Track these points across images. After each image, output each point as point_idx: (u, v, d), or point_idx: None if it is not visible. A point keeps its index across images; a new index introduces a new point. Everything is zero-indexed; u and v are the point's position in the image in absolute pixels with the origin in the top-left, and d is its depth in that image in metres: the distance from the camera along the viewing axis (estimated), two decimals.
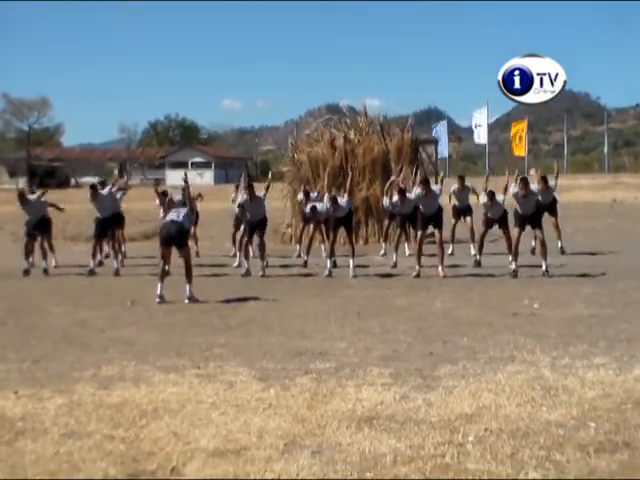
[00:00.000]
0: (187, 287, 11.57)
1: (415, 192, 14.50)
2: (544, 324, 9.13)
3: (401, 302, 11.10)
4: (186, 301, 11.40)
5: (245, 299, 11.63)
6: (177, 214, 12.05)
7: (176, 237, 11.79)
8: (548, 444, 5.05)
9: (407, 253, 16.73)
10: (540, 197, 14.61)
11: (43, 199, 16.18)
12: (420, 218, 14.25)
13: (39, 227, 15.84)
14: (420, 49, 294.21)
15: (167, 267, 12.96)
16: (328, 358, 7.61)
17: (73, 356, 8.02)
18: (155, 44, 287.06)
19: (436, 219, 14.12)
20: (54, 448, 5.23)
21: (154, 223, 19.16)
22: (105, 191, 15.75)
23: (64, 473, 4.80)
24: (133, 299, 11.67)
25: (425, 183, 14.30)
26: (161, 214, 14.26)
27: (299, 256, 16.86)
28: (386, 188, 16.00)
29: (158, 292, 11.46)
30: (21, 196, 15.88)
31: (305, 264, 15.53)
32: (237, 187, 18.00)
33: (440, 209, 14.23)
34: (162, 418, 5.80)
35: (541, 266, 13.41)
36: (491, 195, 14.63)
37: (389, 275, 14.08)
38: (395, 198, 15.35)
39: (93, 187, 15.79)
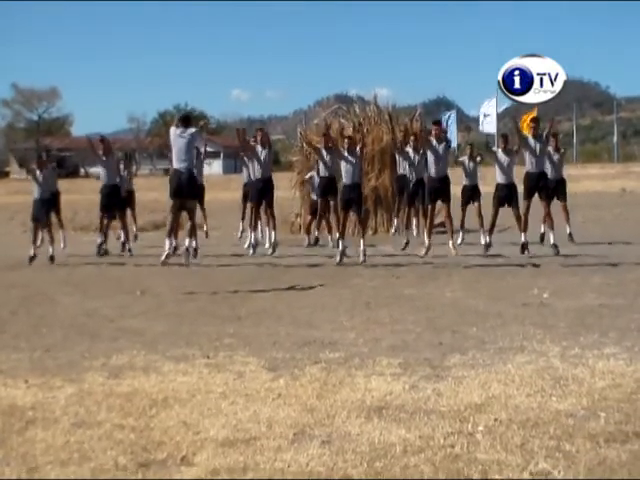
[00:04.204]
0: (187, 240, 10.87)
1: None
2: (554, 314, 9.10)
3: (410, 292, 11.09)
4: (183, 248, 10.78)
5: (254, 289, 11.64)
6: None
7: (187, 186, 11.35)
8: (558, 434, 5.05)
9: (414, 232, 16.62)
10: (554, 156, 15.21)
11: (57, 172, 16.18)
12: (428, 190, 14.30)
13: (47, 204, 15.65)
14: (430, 38, 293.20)
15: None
16: (337, 348, 7.62)
17: (83, 345, 8.05)
18: (165, 33, 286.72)
19: (444, 191, 14.15)
20: (64, 437, 5.25)
21: (163, 214, 19.16)
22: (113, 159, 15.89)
23: (74, 462, 4.81)
24: (142, 289, 11.68)
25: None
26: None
27: (308, 245, 16.85)
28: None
29: (167, 247, 10.89)
30: (39, 159, 15.75)
31: (316, 241, 15.46)
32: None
33: (447, 178, 14.30)
34: (172, 407, 5.82)
35: (552, 255, 13.37)
36: (505, 138, 15.40)
37: (398, 265, 14.06)
38: (408, 148, 15.83)
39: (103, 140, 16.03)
